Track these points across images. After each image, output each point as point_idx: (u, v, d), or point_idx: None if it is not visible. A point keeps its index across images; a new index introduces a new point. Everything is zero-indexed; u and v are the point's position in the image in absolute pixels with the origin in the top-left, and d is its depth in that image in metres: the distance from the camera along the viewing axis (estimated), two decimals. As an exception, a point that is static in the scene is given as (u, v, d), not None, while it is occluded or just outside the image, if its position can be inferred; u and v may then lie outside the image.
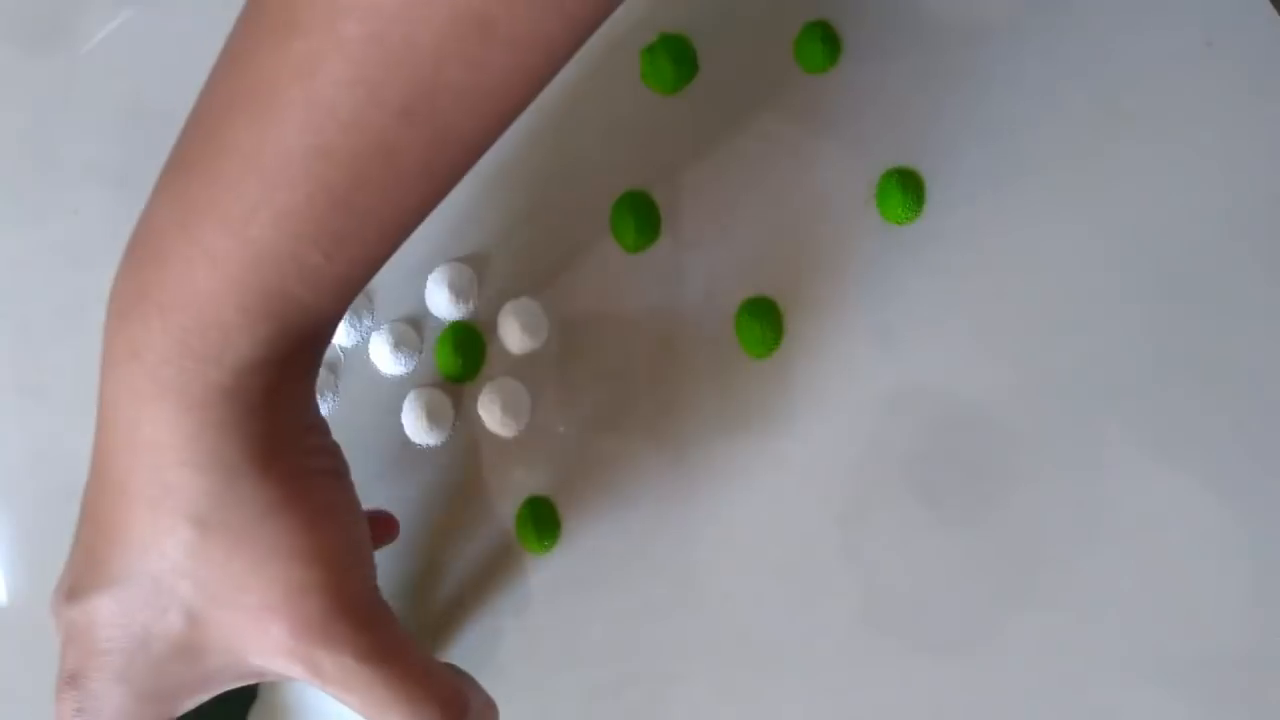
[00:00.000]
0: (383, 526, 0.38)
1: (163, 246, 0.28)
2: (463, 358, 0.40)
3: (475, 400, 0.41)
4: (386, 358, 0.40)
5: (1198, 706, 0.40)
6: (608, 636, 0.40)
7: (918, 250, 0.41)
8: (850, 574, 0.41)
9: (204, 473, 0.28)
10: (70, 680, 0.30)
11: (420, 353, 0.41)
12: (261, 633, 0.29)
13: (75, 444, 0.41)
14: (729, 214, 0.41)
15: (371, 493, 0.37)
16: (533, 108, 0.41)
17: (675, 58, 0.41)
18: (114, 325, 0.29)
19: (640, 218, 0.41)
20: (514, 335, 0.41)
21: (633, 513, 0.41)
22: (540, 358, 0.41)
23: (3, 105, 0.42)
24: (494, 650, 0.40)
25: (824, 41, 0.42)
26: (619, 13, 0.42)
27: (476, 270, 0.41)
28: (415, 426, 0.40)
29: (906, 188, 0.41)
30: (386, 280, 0.40)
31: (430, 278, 0.41)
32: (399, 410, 0.41)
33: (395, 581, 0.40)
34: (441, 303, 0.41)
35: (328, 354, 0.33)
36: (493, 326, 0.41)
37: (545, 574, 0.40)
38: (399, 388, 0.41)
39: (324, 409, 0.40)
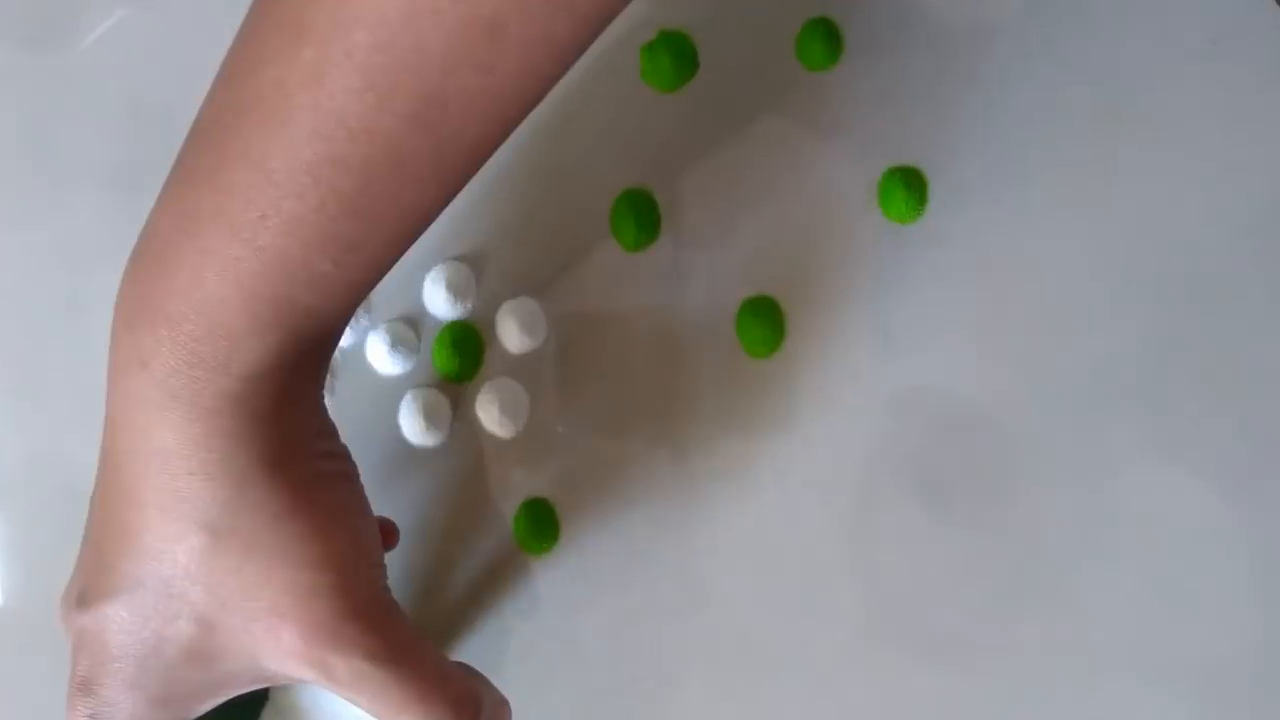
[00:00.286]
0: (382, 534, 0.38)
1: (169, 254, 0.28)
2: (461, 357, 0.40)
3: (473, 400, 0.41)
4: (384, 358, 0.40)
5: (1198, 706, 0.40)
6: (607, 638, 0.40)
7: (920, 249, 0.41)
8: (852, 575, 0.40)
9: (214, 480, 0.28)
10: (82, 687, 0.30)
11: (418, 352, 0.41)
12: (273, 637, 0.29)
13: (74, 444, 0.41)
14: (729, 213, 0.41)
15: (368, 493, 0.36)
16: (531, 107, 0.41)
17: (675, 55, 0.41)
18: (121, 334, 0.28)
19: (640, 217, 0.41)
20: (512, 335, 0.40)
21: (632, 513, 0.41)
22: (539, 358, 0.41)
23: (1, 104, 0.42)
24: (492, 651, 0.40)
25: (826, 39, 0.41)
26: (618, 10, 0.42)
27: (474, 269, 0.41)
28: (413, 427, 0.40)
29: (909, 186, 0.41)
30: (385, 280, 0.40)
31: (428, 277, 0.41)
32: (396, 411, 0.40)
33: (392, 583, 0.40)
34: (439, 302, 0.40)
35: None
36: (491, 326, 0.41)
37: (544, 575, 0.40)
38: (396, 388, 0.41)
39: None
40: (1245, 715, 0.40)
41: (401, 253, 0.29)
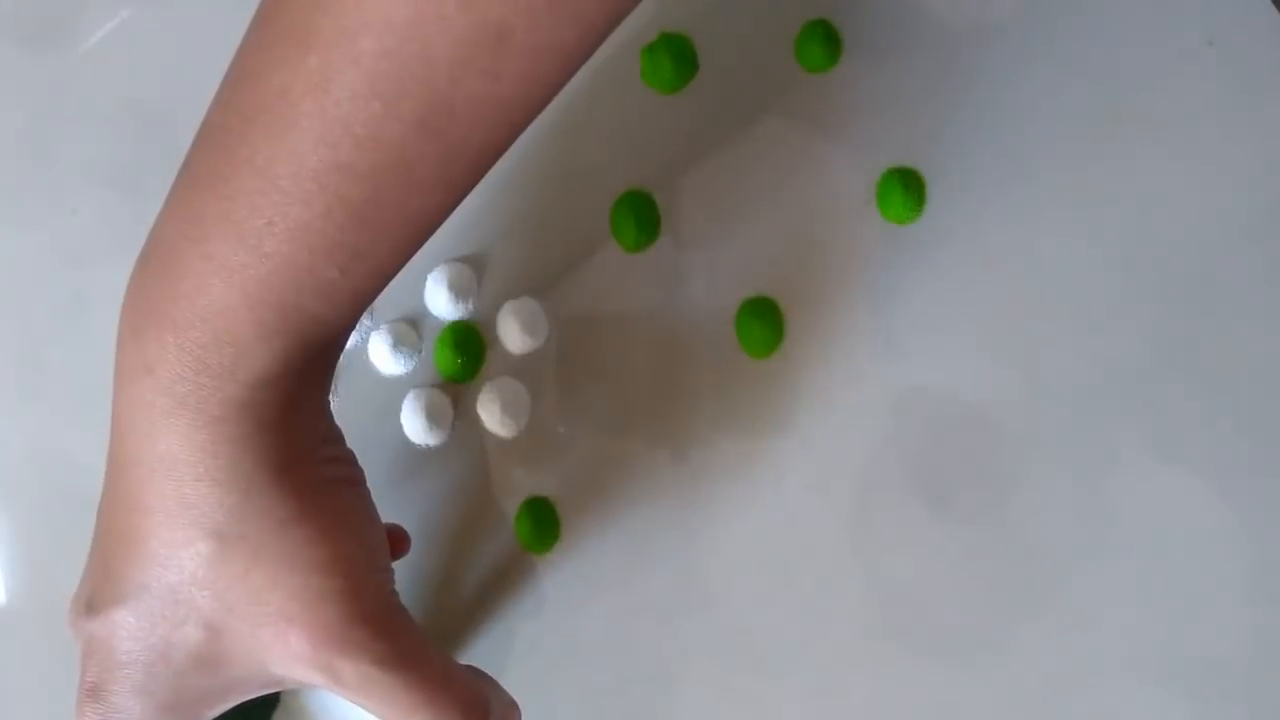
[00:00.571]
0: (394, 541, 0.38)
1: (175, 261, 0.28)
2: (462, 358, 0.40)
3: (475, 400, 0.41)
4: (386, 358, 0.40)
5: (1197, 705, 0.40)
6: (608, 637, 0.40)
7: (919, 250, 0.41)
8: (852, 575, 0.40)
9: (221, 487, 0.28)
10: (91, 693, 0.30)
11: (419, 353, 0.41)
12: (281, 643, 0.29)
13: (75, 444, 0.41)
14: (729, 214, 0.41)
15: (371, 493, 0.36)
16: (532, 107, 0.41)
17: (675, 56, 0.41)
18: (127, 341, 0.28)
19: (640, 217, 0.41)
20: (514, 335, 0.40)
21: (633, 513, 0.41)
22: (540, 358, 0.41)
23: (1, 105, 0.42)
24: (494, 650, 0.40)
25: (825, 41, 0.41)
26: (619, 12, 0.42)
27: (476, 270, 0.41)
28: (414, 427, 0.40)
29: (908, 187, 0.41)
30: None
31: (430, 277, 0.41)
32: (398, 411, 0.40)
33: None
34: (441, 302, 0.40)
35: None
36: (492, 326, 0.41)
37: (545, 574, 0.40)
38: (398, 388, 0.41)
39: None
40: (1244, 714, 0.40)
41: (406, 259, 0.29)
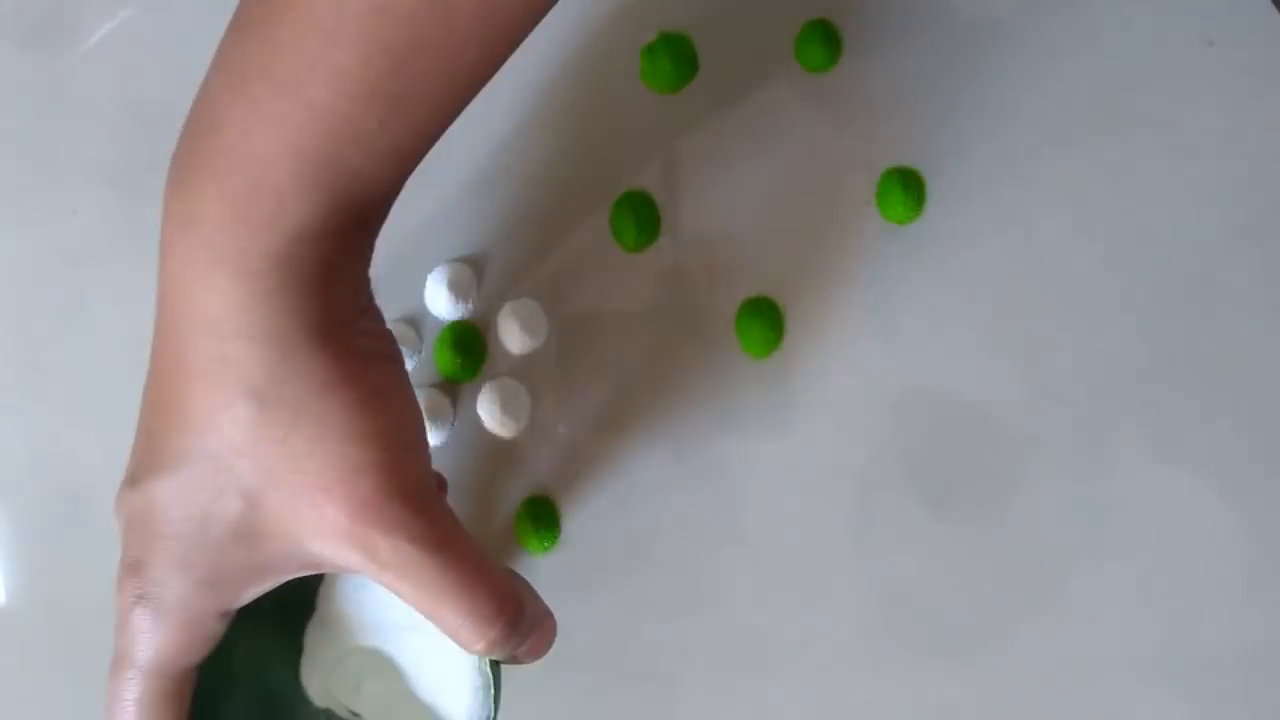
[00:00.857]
0: None
1: (219, 113, 0.28)
2: (462, 357, 0.40)
3: (475, 400, 0.41)
4: (386, 358, 0.40)
5: (1197, 705, 0.40)
6: (607, 636, 0.40)
7: (918, 250, 0.41)
8: (852, 574, 0.41)
9: (259, 344, 0.28)
10: (131, 567, 0.30)
11: (419, 352, 0.41)
12: (318, 514, 0.28)
13: (75, 444, 0.41)
14: (729, 214, 0.41)
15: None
16: (532, 106, 0.41)
17: (675, 57, 0.41)
18: (171, 194, 0.29)
19: (640, 217, 0.41)
20: (513, 335, 0.41)
21: (633, 513, 0.41)
22: (540, 357, 0.41)
23: (2, 105, 0.42)
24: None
25: (825, 40, 0.41)
26: (619, 11, 0.42)
27: (476, 270, 0.41)
28: (415, 426, 0.40)
29: (907, 187, 0.41)
30: (386, 280, 0.40)
31: (430, 277, 0.41)
32: (398, 410, 0.40)
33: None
34: (441, 302, 0.41)
35: None
36: (492, 326, 0.41)
37: (545, 574, 0.40)
38: (398, 388, 0.41)
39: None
40: (1243, 714, 0.40)
41: (445, 123, 0.29)
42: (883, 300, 0.41)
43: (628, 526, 0.41)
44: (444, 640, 0.30)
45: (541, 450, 0.41)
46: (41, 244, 0.42)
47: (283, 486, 0.28)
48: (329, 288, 0.29)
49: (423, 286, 0.41)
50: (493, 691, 0.32)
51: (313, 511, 0.28)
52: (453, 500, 0.40)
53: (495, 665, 0.32)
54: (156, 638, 0.30)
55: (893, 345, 0.41)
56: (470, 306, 0.41)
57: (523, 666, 0.40)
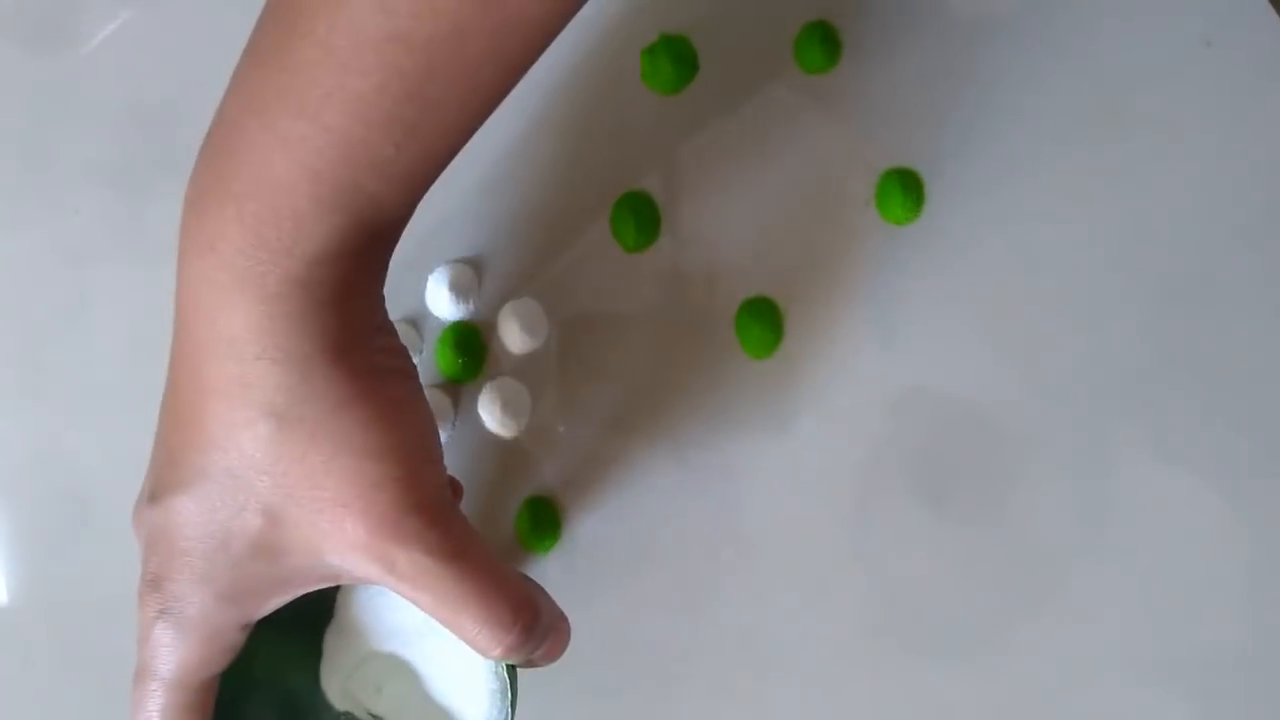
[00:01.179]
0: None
1: (236, 136, 0.28)
2: (463, 358, 0.40)
3: (475, 400, 0.41)
4: (387, 358, 0.40)
5: (1198, 706, 0.40)
6: (608, 636, 0.40)
7: (917, 250, 0.41)
8: (851, 574, 0.41)
9: (279, 365, 0.28)
10: (152, 583, 0.30)
11: (420, 353, 0.41)
12: (338, 529, 0.29)
13: (75, 444, 0.41)
14: (728, 215, 0.41)
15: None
16: (533, 108, 0.41)
17: (675, 58, 0.42)
18: (190, 219, 0.29)
19: (640, 218, 0.41)
20: (514, 335, 0.41)
21: (633, 513, 0.41)
22: (540, 358, 0.41)
23: (3, 106, 0.42)
24: (494, 650, 0.40)
25: (824, 42, 0.42)
26: (619, 12, 0.42)
27: (477, 270, 0.41)
28: (415, 426, 0.40)
29: (906, 188, 0.41)
30: (387, 281, 0.40)
31: (431, 278, 0.41)
32: (399, 410, 0.40)
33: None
34: (442, 303, 0.41)
35: None
36: (493, 327, 0.41)
37: (545, 574, 0.40)
38: (399, 388, 0.41)
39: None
40: (1243, 714, 0.40)
41: (459, 145, 0.30)
42: (882, 301, 0.41)
43: (628, 526, 0.41)
44: (461, 645, 0.31)
45: (542, 450, 0.41)
46: (41, 244, 0.42)
47: (302, 503, 0.29)
48: (346, 306, 0.29)
49: (424, 287, 0.41)
50: (509, 695, 0.33)
51: (332, 527, 0.29)
52: (454, 500, 0.41)
53: (511, 669, 0.32)
54: (178, 651, 0.30)
55: (892, 345, 0.41)
56: (471, 307, 0.41)
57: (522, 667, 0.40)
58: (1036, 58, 0.42)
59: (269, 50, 0.28)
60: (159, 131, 0.42)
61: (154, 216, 0.42)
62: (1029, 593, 0.40)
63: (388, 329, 0.31)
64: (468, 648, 0.31)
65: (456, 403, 0.41)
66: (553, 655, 0.32)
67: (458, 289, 0.40)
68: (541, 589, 0.32)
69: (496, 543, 0.41)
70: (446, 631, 0.30)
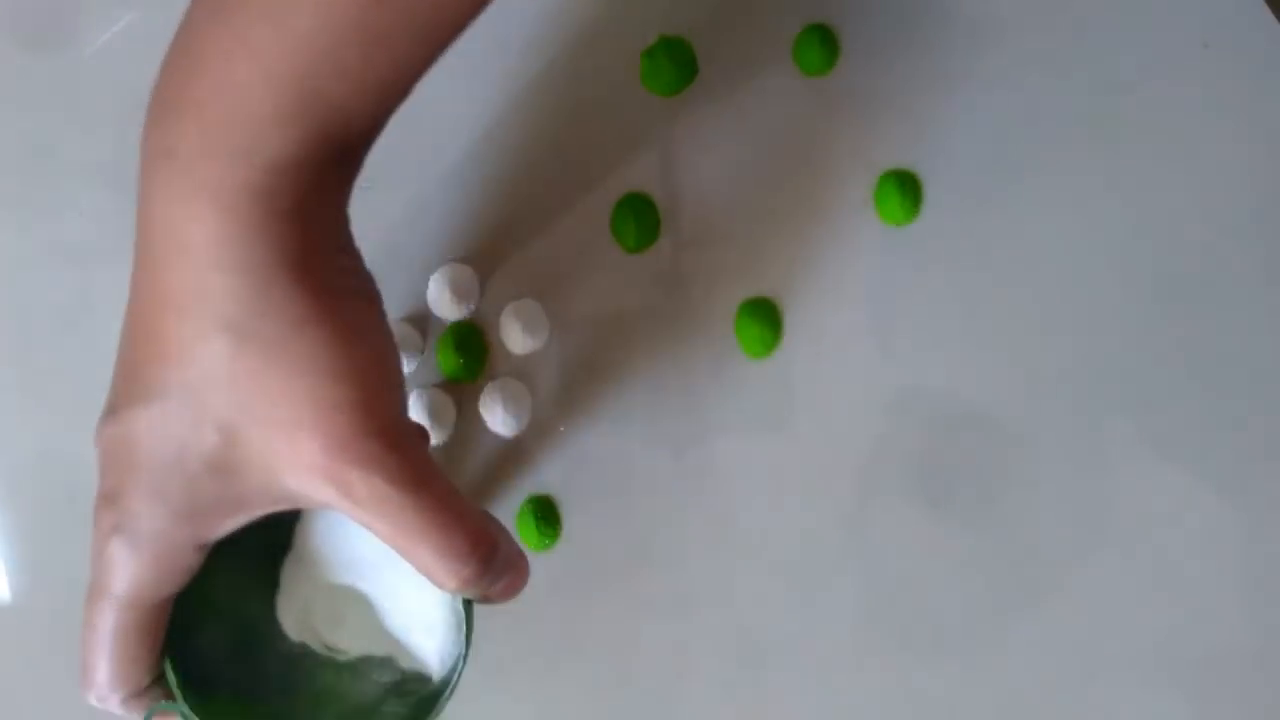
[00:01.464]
0: None
1: (199, 42, 0.28)
2: (464, 358, 0.41)
3: (477, 400, 0.41)
4: (388, 357, 0.40)
5: (1198, 706, 0.40)
6: (608, 635, 0.41)
7: (916, 251, 0.42)
8: (851, 574, 0.41)
9: (236, 277, 0.27)
10: (107, 498, 0.30)
11: (422, 353, 0.41)
12: (294, 449, 0.28)
13: (75, 444, 0.41)
14: (728, 216, 0.42)
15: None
16: (534, 109, 0.42)
17: (675, 60, 0.42)
18: (150, 126, 0.28)
19: (640, 219, 0.41)
20: (515, 335, 0.41)
21: (633, 512, 0.41)
22: (541, 358, 0.41)
23: (4, 106, 0.42)
24: (495, 648, 0.40)
25: (822, 44, 0.42)
26: (619, 15, 0.42)
27: (478, 271, 0.41)
28: (417, 426, 0.40)
29: (904, 189, 0.41)
30: (388, 280, 0.40)
31: (432, 278, 0.41)
32: (400, 410, 0.40)
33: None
34: (443, 303, 0.41)
35: None
36: (494, 327, 0.41)
37: (546, 572, 0.40)
38: (400, 388, 0.41)
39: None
40: (1243, 713, 0.40)
41: (428, 61, 0.29)
42: (881, 301, 0.41)
43: (628, 526, 0.41)
44: (418, 578, 0.30)
45: (543, 450, 0.41)
46: (41, 244, 0.42)
47: (259, 421, 0.28)
48: (307, 222, 0.28)
49: (425, 287, 0.41)
50: (465, 629, 0.32)
51: (288, 447, 0.28)
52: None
53: (469, 604, 0.32)
54: (131, 568, 0.29)
55: (891, 345, 0.41)
56: (472, 307, 0.41)
57: (525, 658, 0.40)
58: (1034, 59, 0.42)
59: None
60: (159, 132, 0.42)
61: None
62: (1028, 592, 0.40)
63: (351, 251, 0.31)
64: (425, 581, 0.30)
65: (458, 402, 0.41)
66: (510, 592, 0.32)
67: (459, 289, 0.40)
68: (501, 526, 0.32)
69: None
70: (404, 565, 0.30)
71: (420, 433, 0.36)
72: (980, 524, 0.41)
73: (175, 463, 0.29)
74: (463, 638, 0.32)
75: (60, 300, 0.42)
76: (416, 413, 0.40)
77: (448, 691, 0.32)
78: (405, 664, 0.34)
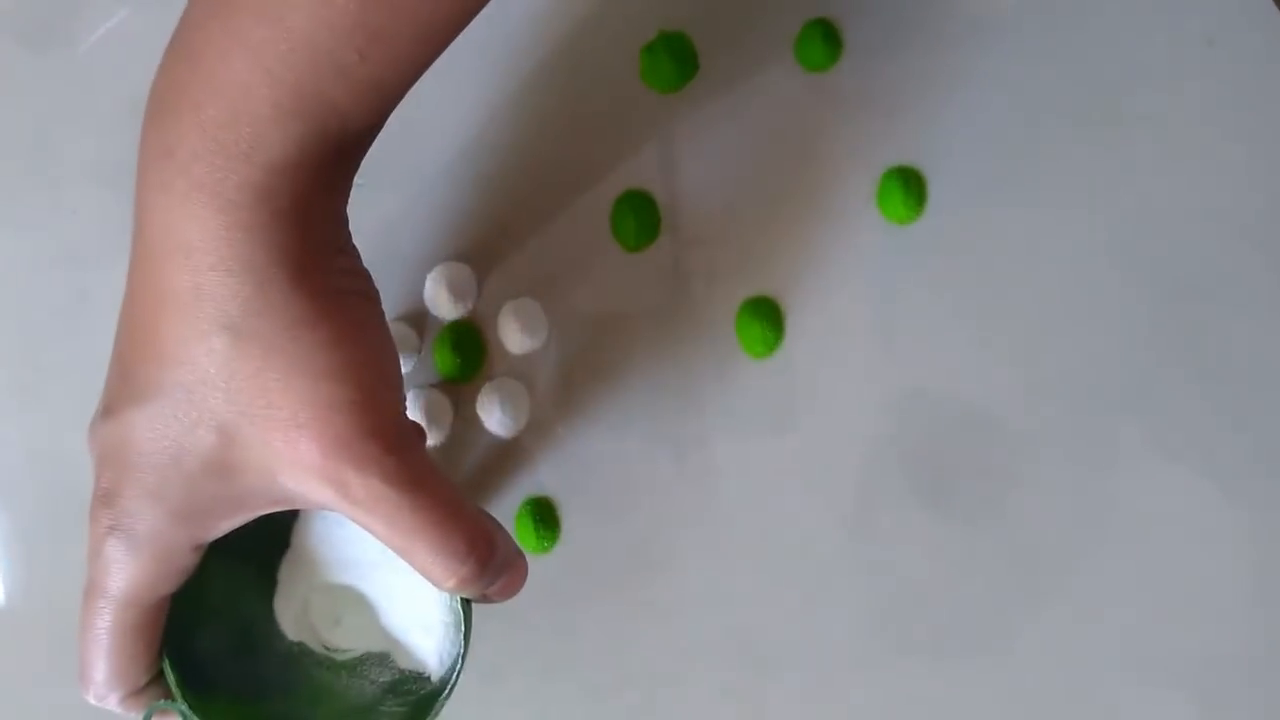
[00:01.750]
0: None
1: (199, 40, 0.28)
2: (462, 357, 0.40)
3: (474, 400, 0.41)
4: (386, 358, 0.40)
5: (1198, 706, 0.40)
6: (608, 636, 0.40)
7: (919, 249, 0.41)
8: (851, 574, 0.41)
9: (235, 276, 0.27)
10: (104, 498, 0.29)
11: (419, 353, 0.41)
12: (291, 450, 0.28)
13: (75, 444, 0.41)
14: (729, 214, 0.41)
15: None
16: (533, 106, 0.41)
17: (675, 56, 0.41)
18: (149, 125, 0.28)
19: (640, 217, 0.41)
20: (513, 335, 0.40)
21: (632, 513, 0.41)
22: (539, 357, 0.41)
23: (2, 105, 0.42)
24: (494, 650, 0.40)
25: (824, 40, 0.41)
26: (618, 10, 0.42)
27: (475, 269, 0.41)
28: (414, 426, 0.40)
29: (908, 187, 0.41)
30: (385, 280, 0.40)
31: (429, 277, 0.41)
32: (398, 410, 0.40)
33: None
34: (441, 302, 0.41)
35: None
36: (492, 326, 0.41)
37: (545, 574, 0.40)
38: (398, 388, 0.41)
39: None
40: (1245, 714, 0.40)
41: (427, 59, 0.29)
42: (883, 300, 0.41)
43: (628, 526, 0.41)
44: (416, 578, 0.30)
45: (542, 450, 0.41)
46: (41, 244, 0.42)
47: (257, 421, 0.28)
48: (306, 222, 0.28)
49: (422, 286, 0.41)
50: (463, 629, 0.32)
51: (286, 447, 0.28)
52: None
53: (466, 603, 0.32)
54: (128, 568, 0.30)
55: (893, 345, 0.41)
56: (470, 306, 0.41)
57: (523, 660, 0.40)
58: (1037, 56, 0.42)
59: None
60: (158, 131, 0.42)
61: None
62: (1029, 592, 0.40)
63: (350, 250, 0.31)
64: (423, 581, 0.30)
65: (455, 402, 0.41)
66: (508, 591, 0.32)
67: (456, 288, 0.40)
68: (499, 525, 0.32)
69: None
70: (402, 564, 0.30)
71: (419, 432, 0.36)
72: (982, 524, 0.40)
73: (172, 463, 0.29)
74: (461, 638, 0.33)
75: (58, 300, 0.42)
76: (413, 413, 0.40)
77: (447, 691, 0.32)
78: (403, 663, 0.34)
